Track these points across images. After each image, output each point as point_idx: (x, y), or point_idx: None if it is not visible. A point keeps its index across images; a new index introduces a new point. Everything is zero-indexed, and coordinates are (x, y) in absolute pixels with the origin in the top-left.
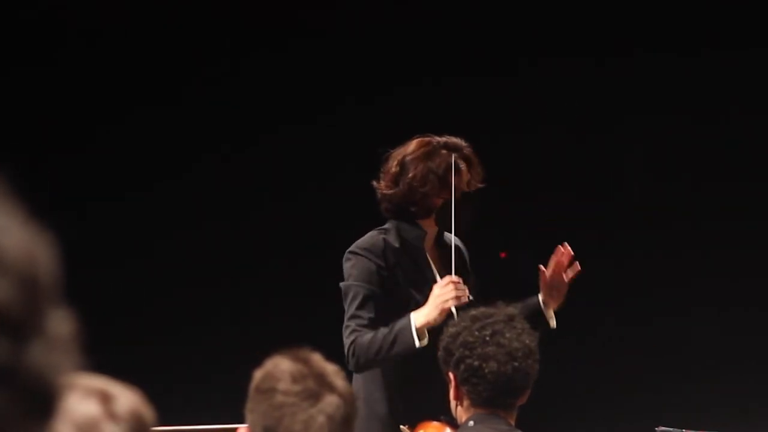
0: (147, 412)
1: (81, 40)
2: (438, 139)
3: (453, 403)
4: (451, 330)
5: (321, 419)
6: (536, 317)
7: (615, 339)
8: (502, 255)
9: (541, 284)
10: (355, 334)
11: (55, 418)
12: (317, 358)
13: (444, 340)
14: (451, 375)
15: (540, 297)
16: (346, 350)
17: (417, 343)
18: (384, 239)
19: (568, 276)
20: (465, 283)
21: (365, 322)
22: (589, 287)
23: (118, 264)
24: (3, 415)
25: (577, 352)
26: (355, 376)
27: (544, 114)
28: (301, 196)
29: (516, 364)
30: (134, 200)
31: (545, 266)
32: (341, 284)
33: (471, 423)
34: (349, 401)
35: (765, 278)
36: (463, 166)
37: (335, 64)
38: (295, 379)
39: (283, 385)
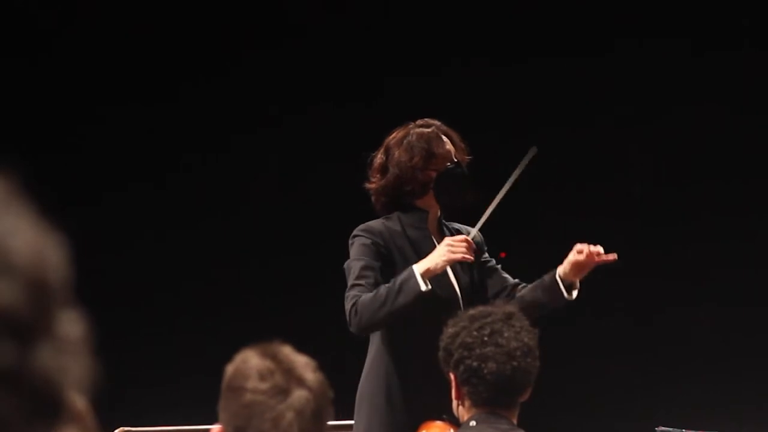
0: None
1: (79, 41)
2: (412, 123)
3: (455, 402)
4: (450, 330)
5: (289, 416)
6: (552, 291)
7: (615, 339)
8: (502, 255)
9: (570, 261)
10: (355, 297)
11: (64, 423)
12: (286, 352)
13: (443, 340)
14: (451, 375)
15: (559, 270)
16: (348, 315)
17: (422, 287)
18: (383, 223)
19: (600, 259)
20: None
21: (365, 287)
22: (589, 287)
23: (111, 263)
24: (10, 419)
25: (578, 351)
26: (363, 375)
27: (544, 114)
28: (299, 195)
29: (515, 363)
30: (113, 201)
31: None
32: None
33: (473, 423)
34: (319, 394)
35: (766, 278)
36: (444, 137)
37: (332, 63)
38: (262, 376)
39: (251, 383)
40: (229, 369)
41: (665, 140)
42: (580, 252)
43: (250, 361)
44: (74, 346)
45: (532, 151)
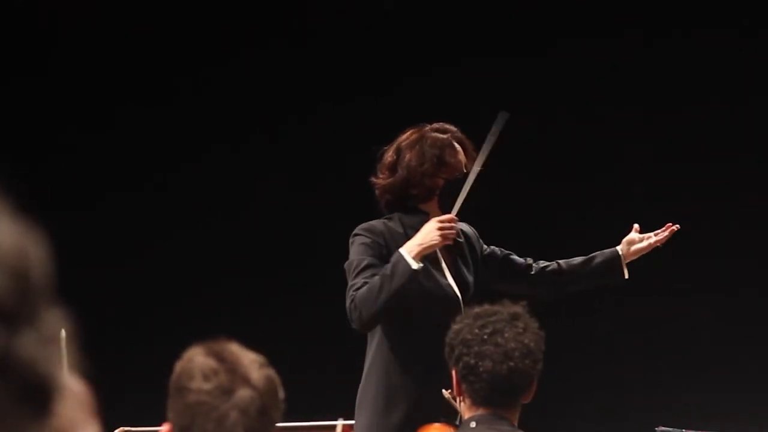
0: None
1: (78, 41)
2: (429, 125)
3: (457, 399)
4: (455, 326)
5: (234, 415)
6: (611, 267)
7: (615, 338)
8: None
9: (633, 242)
10: (354, 294)
11: (51, 413)
12: (232, 350)
13: (448, 335)
14: (453, 371)
15: (620, 249)
16: (348, 312)
17: (414, 266)
18: (385, 223)
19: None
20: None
21: (363, 283)
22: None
23: (107, 266)
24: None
25: (578, 351)
26: (363, 376)
27: (544, 113)
28: (296, 197)
29: (512, 364)
30: (113, 202)
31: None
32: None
33: (473, 424)
34: (265, 392)
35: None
36: (458, 146)
37: (334, 62)
38: (206, 376)
39: (195, 383)
40: (177, 367)
41: (666, 138)
42: (642, 239)
43: (195, 360)
44: (58, 341)
45: (503, 116)
